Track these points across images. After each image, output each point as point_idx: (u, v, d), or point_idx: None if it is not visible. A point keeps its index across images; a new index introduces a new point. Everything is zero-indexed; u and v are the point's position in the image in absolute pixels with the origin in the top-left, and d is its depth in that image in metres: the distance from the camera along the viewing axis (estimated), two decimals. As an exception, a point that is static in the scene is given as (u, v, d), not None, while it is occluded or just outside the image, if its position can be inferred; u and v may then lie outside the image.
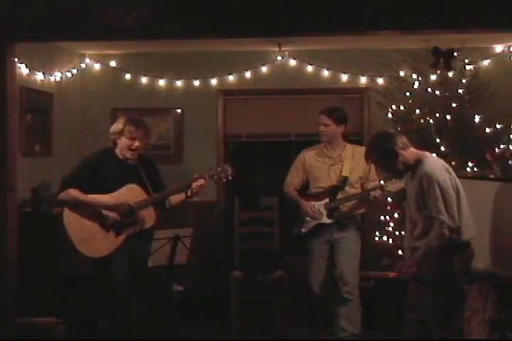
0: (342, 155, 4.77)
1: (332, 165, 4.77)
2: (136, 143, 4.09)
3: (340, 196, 4.71)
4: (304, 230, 4.79)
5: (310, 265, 4.82)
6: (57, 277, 4.97)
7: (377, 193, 4.60)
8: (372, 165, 4.78)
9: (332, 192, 4.72)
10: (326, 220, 4.71)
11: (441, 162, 3.88)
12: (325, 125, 4.72)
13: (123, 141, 4.10)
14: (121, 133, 4.10)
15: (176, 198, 4.23)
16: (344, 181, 4.70)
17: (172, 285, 4.28)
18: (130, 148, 4.09)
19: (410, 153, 3.83)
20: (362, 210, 4.82)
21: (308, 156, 4.88)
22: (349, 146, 4.83)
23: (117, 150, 4.16)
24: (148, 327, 4.40)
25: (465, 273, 3.83)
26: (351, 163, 4.73)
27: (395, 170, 3.93)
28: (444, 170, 3.78)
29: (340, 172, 4.73)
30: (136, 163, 4.18)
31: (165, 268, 4.09)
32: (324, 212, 4.71)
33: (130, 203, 4.02)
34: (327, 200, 4.72)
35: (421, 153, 3.87)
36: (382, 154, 3.82)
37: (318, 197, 4.76)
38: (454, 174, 3.81)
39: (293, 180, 4.91)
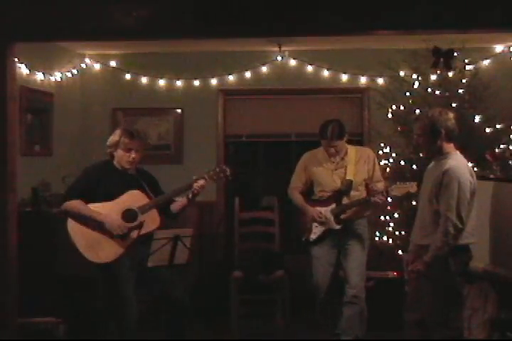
0: (345, 159, 4.69)
1: (335, 170, 4.68)
2: (133, 155, 4.13)
3: (345, 200, 4.65)
4: (313, 236, 4.70)
5: (317, 270, 4.71)
6: (57, 277, 4.97)
7: (377, 198, 4.51)
8: (376, 166, 4.76)
9: (337, 196, 4.63)
10: (334, 226, 4.63)
11: (467, 163, 3.89)
12: (335, 146, 4.63)
13: (119, 153, 4.15)
14: (116, 145, 4.14)
15: (177, 204, 4.28)
16: (349, 185, 4.62)
17: (182, 286, 4.26)
18: (127, 160, 4.14)
19: (448, 144, 3.85)
20: (368, 212, 4.80)
21: (310, 160, 4.80)
22: (351, 148, 4.74)
23: (115, 162, 4.21)
24: (149, 328, 4.40)
25: (462, 275, 3.82)
26: (355, 166, 4.66)
27: (428, 149, 3.94)
28: (468, 172, 3.78)
29: (345, 176, 4.66)
30: (134, 173, 4.24)
31: (174, 269, 4.10)
32: (332, 218, 4.63)
33: (133, 208, 4.06)
34: (333, 206, 4.64)
35: (453, 148, 3.89)
36: (429, 128, 3.84)
37: (324, 202, 4.68)
38: (475, 179, 3.81)
39: (296, 184, 4.84)
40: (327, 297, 4.74)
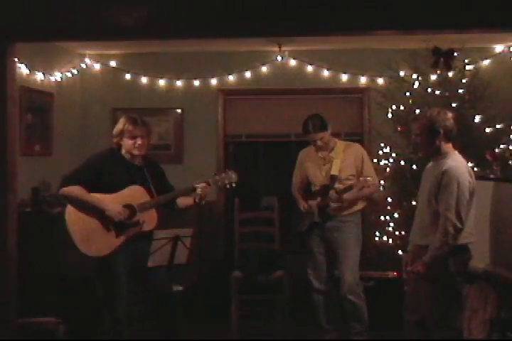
0: (332, 154, 4.82)
1: (324, 165, 4.85)
2: (139, 142, 4.09)
3: (332, 194, 4.75)
4: (303, 228, 4.88)
5: (308, 260, 4.93)
6: (56, 277, 4.97)
7: (349, 195, 4.70)
8: (365, 161, 4.83)
9: (323, 191, 4.78)
10: (316, 219, 4.81)
11: (466, 163, 3.89)
12: (321, 139, 4.75)
13: (125, 142, 4.11)
14: (121, 133, 4.11)
15: (184, 202, 4.27)
16: (334, 179, 4.76)
17: (171, 285, 4.27)
18: (134, 146, 4.10)
19: (447, 144, 3.85)
20: (359, 207, 4.85)
21: (304, 157, 4.98)
22: (340, 144, 4.89)
23: (123, 152, 4.17)
24: (148, 327, 4.40)
25: (461, 275, 3.83)
26: (340, 161, 4.78)
27: (426, 148, 3.94)
28: (467, 172, 3.79)
29: (330, 171, 4.78)
30: (141, 164, 4.19)
31: (166, 268, 4.09)
32: (316, 211, 4.79)
33: (133, 204, 4.03)
34: (319, 199, 4.81)
35: (452, 148, 3.89)
36: (428, 128, 3.84)
37: (314, 196, 4.86)
38: (474, 179, 3.81)
39: (295, 180, 5.04)
40: (324, 289, 4.81)
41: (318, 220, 4.80)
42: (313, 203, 4.81)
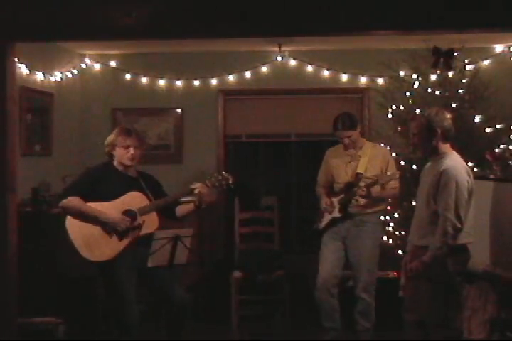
0: (359, 152, 4.84)
1: (349, 163, 4.85)
2: (131, 152, 4.12)
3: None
4: (322, 224, 4.87)
5: (321, 257, 4.88)
6: (57, 277, 4.96)
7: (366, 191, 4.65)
8: (390, 163, 4.84)
9: (347, 188, 4.78)
10: (336, 214, 4.79)
11: (464, 163, 3.89)
12: (350, 137, 4.77)
13: (118, 152, 4.15)
14: (114, 143, 4.15)
15: (184, 209, 4.27)
16: (359, 177, 4.75)
17: (182, 286, 4.27)
18: (126, 156, 4.13)
19: (445, 144, 3.85)
20: (380, 207, 4.87)
21: (330, 154, 5.00)
22: (368, 144, 4.92)
23: (116, 163, 4.19)
24: (149, 328, 4.40)
25: (460, 274, 3.82)
26: (368, 160, 4.79)
27: (424, 148, 3.94)
28: (465, 172, 3.78)
29: (356, 169, 4.79)
30: (135, 175, 4.22)
31: (169, 269, 4.10)
32: (337, 207, 4.79)
33: (132, 209, 4.05)
34: (342, 196, 4.80)
35: (450, 148, 3.89)
36: (425, 128, 3.84)
37: (337, 193, 4.86)
38: (472, 178, 3.81)
39: (320, 178, 5.03)
40: (327, 286, 4.81)
41: (338, 216, 4.78)
42: (335, 200, 4.82)
